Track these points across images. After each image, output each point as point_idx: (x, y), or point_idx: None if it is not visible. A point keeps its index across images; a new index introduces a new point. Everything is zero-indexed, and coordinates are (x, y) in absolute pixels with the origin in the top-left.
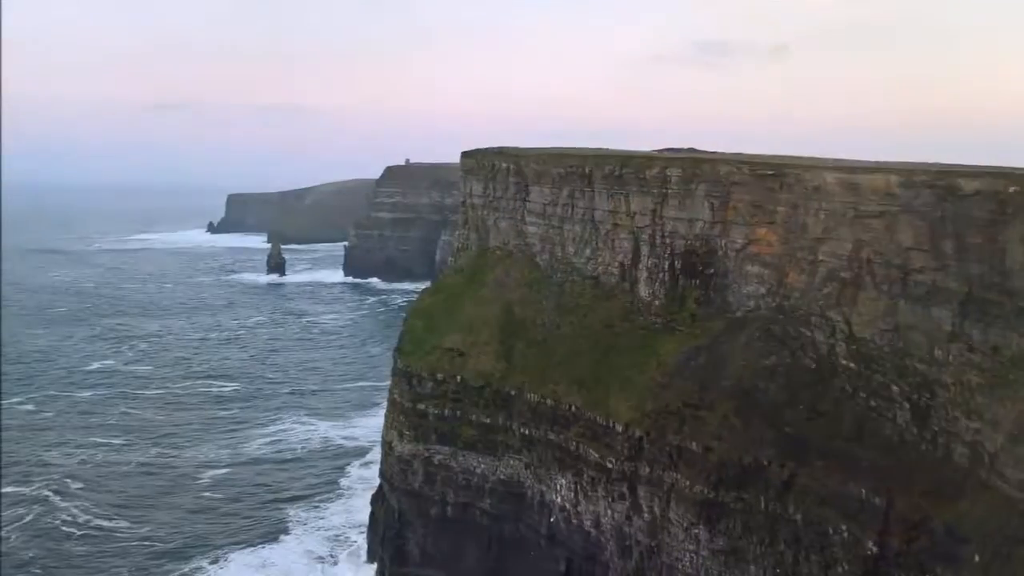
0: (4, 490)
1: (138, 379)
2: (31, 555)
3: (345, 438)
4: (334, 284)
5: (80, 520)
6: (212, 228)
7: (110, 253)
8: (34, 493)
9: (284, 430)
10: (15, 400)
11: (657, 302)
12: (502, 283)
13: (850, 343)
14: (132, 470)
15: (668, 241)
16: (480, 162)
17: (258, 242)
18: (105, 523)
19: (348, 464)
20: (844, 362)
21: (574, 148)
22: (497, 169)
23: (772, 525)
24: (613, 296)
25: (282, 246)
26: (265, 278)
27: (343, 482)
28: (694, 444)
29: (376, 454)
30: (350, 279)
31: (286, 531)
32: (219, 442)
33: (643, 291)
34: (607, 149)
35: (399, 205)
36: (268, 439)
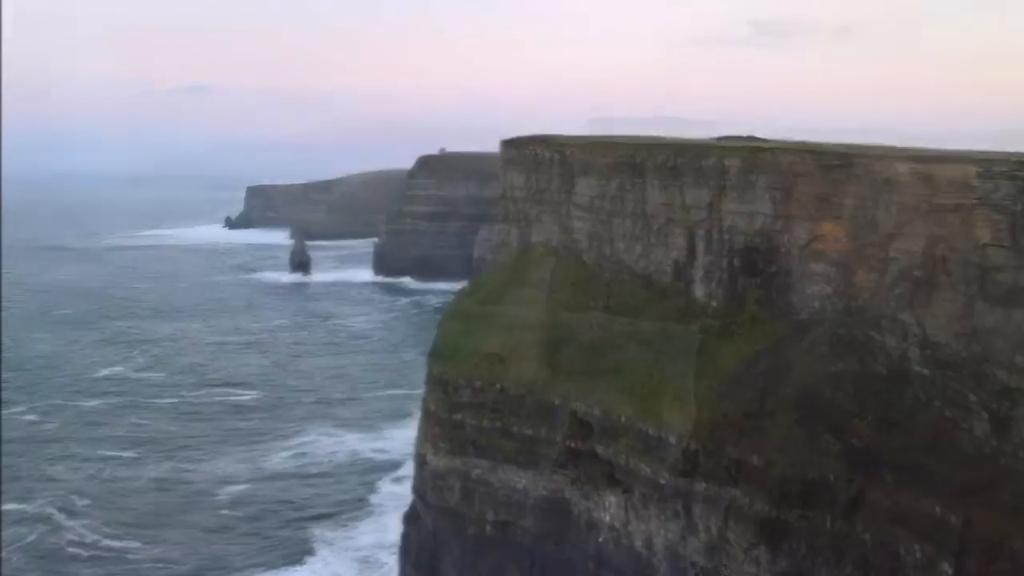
0: (4, 507)
1: (150, 387)
2: None
3: (375, 451)
4: (363, 284)
5: (87, 540)
6: (230, 223)
7: (120, 250)
8: (37, 511)
9: (309, 442)
10: (17, 410)
11: (714, 303)
12: (546, 282)
13: (924, 348)
14: (143, 486)
15: (726, 237)
16: (521, 152)
17: (280, 238)
18: (114, 543)
19: (379, 479)
20: (917, 368)
21: (623, 136)
22: (540, 159)
23: (839, 545)
24: (666, 296)
25: (306, 242)
26: (288, 277)
27: (373, 499)
28: (754, 458)
29: (409, 468)
30: (380, 278)
31: (311, 552)
32: (238, 456)
33: (699, 291)
34: (660, 137)
35: (434, 198)
36: (292, 452)
